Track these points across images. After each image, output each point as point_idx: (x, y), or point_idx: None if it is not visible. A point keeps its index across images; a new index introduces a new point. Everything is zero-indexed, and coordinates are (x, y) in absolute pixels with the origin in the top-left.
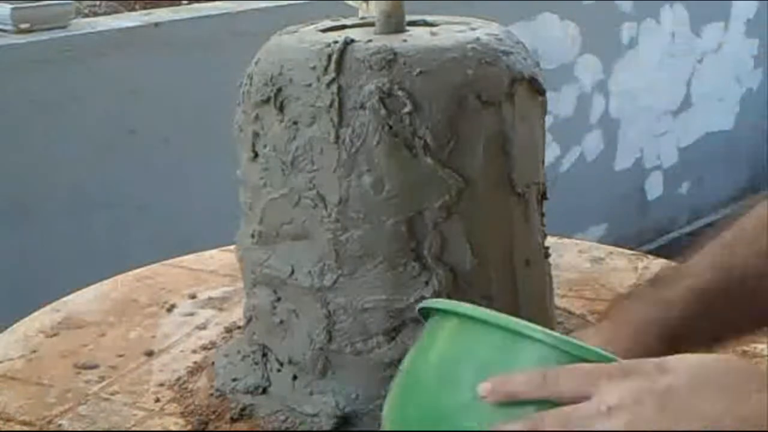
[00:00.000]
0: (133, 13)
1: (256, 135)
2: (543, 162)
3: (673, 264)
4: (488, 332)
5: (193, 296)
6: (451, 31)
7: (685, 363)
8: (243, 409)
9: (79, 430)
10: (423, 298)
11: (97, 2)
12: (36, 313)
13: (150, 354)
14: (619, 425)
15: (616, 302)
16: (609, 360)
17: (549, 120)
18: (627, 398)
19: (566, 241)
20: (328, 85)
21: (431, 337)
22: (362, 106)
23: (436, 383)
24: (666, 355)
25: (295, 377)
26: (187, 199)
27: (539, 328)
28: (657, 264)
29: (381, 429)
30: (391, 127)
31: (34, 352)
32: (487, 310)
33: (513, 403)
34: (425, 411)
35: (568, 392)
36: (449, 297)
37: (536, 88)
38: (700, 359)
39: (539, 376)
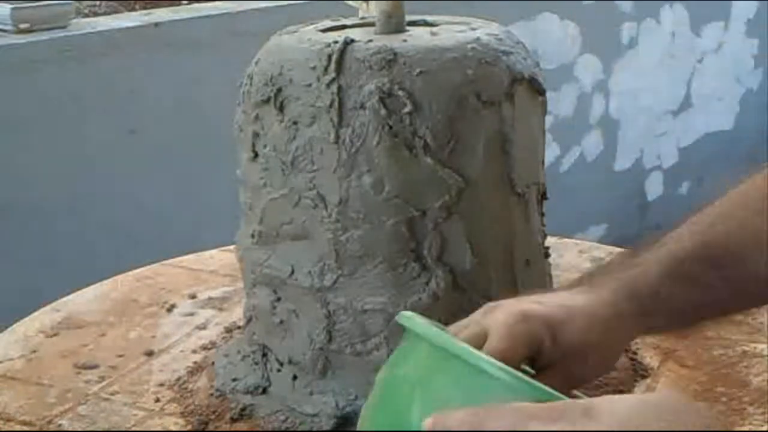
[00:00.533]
0: (133, 13)
1: (256, 135)
2: (543, 162)
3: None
4: (451, 362)
5: (193, 296)
6: (451, 31)
7: (613, 408)
8: (243, 409)
9: (79, 430)
10: (422, 299)
11: (97, 2)
12: (36, 313)
13: (150, 354)
14: None
15: (596, 269)
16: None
17: (549, 120)
18: None
19: (566, 241)
20: (328, 85)
21: (405, 353)
22: (362, 106)
23: (398, 405)
24: (641, 317)
25: (295, 377)
26: (187, 199)
27: (499, 364)
28: None
29: None
30: (391, 127)
31: (34, 352)
32: (452, 342)
33: None
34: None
35: None
36: (449, 297)
37: (536, 88)
38: (630, 405)
39: (474, 416)
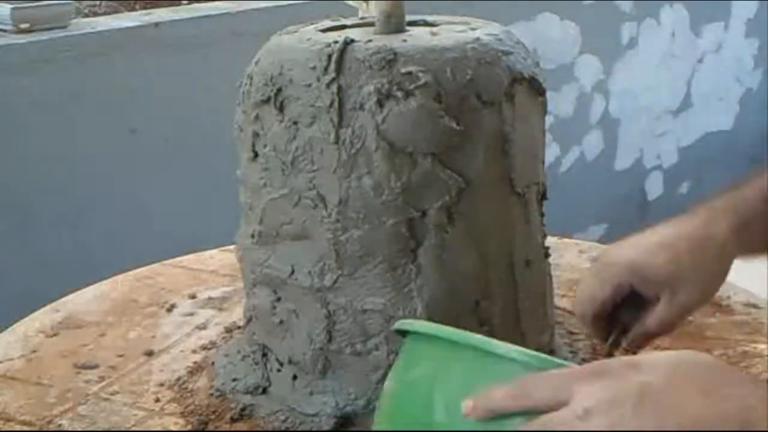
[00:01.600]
0: (133, 13)
1: (256, 135)
2: (543, 162)
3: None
4: (463, 352)
5: (193, 296)
6: (451, 31)
7: (657, 360)
8: (243, 409)
9: (79, 430)
10: (422, 299)
11: (97, 2)
12: (36, 313)
13: (150, 354)
14: (599, 427)
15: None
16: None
17: (549, 120)
18: (603, 400)
19: (566, 241)
20: (328, 85)
21: (410, 357)
22: (362, 107)
23: (416, 406)
24: (740, 232)
25: (295, 377)
26: (187, 199)
27: (511, 346)
28: None
29: None
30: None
31: (34, 352)
32: (459, 332)
33: (501, 418)
34: None
35: (544, 400)
36: (449, 298)
37: (536, 88)
38: (671, 356)
39: (517, 388)
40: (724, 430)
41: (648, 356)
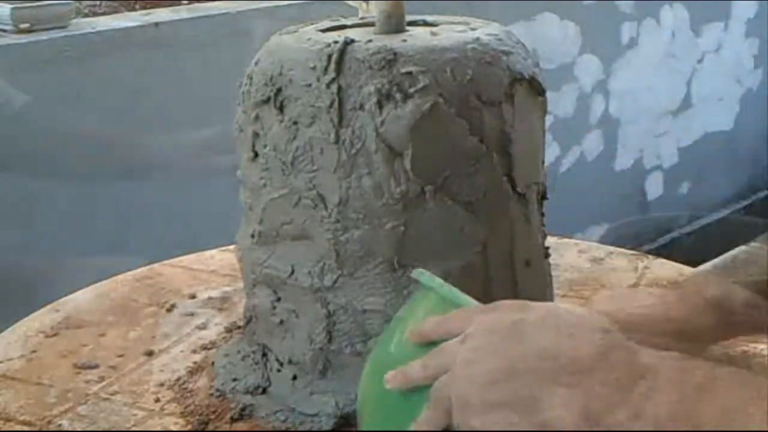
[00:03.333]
0: (133, 13)
1: (256, 135)
2: (543, 162)
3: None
4: (428, 296)
5: (193, 296)
6: (451, 31)
7: (542, 306)
8: (243, 409)
9: (79, 430)
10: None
11: (97, 2)
12: (36, 313)
13: (150, 354)
14: (467, 349)
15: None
16: None
17: (549, 120)
18: (483, 328)
19: (566, 241)
20: (328, 85)
21: (409, 304)
22: (362, 107)
23: (384, 339)
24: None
25: (295, 377)
26: (187, 199)
27: (467, 297)
28: (657, 264)
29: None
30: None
31: (34, 352)
32: (455, 292)
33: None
34: (378, 362)
35: (454, 329)
36: None
37: (536, 88)
38: (556, 306)
39: (439, 320)
40: (557, 363)
41: (540, 303)
